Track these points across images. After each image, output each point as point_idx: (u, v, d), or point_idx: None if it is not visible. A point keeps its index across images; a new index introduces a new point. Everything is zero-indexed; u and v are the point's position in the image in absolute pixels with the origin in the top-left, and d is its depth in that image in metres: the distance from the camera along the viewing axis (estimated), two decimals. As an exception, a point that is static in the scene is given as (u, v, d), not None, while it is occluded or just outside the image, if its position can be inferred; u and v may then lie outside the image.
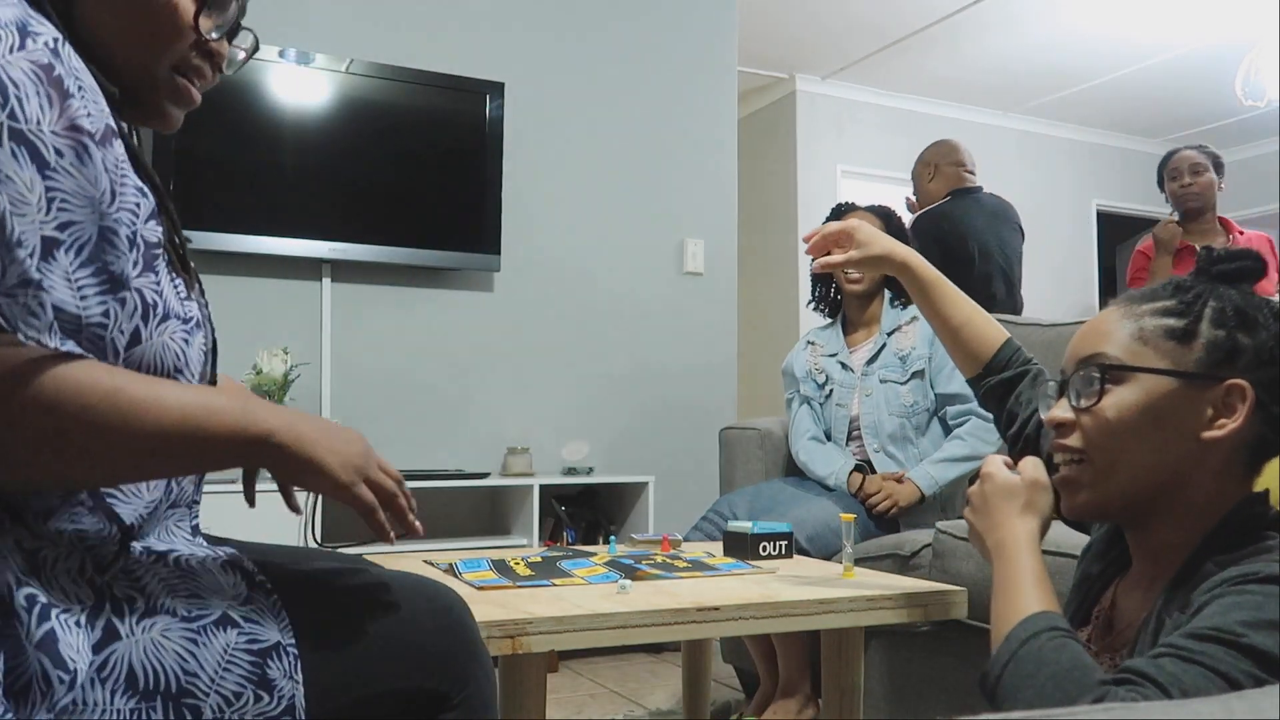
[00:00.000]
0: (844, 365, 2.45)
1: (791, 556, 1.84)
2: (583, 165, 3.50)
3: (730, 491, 2.51)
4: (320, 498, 0.88)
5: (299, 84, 2.98)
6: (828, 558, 2.16)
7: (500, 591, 1.42)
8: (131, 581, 0.76)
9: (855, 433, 2.41)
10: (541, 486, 3.01)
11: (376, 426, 3.14)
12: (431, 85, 3.16)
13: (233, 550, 0.84)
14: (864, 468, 2.36)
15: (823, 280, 2.56)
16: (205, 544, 0.87)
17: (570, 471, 3.23)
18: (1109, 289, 7.08)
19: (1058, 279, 6.38)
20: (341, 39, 3.14)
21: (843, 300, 2.54)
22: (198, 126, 2.82)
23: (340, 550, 1.25)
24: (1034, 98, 5.94)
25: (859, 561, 2.03)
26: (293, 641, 0.78)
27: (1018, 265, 3.69)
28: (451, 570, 1.58)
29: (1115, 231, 7.10)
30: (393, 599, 0.88)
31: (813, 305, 2.62)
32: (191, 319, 0.87)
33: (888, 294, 2.47)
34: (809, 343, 2.59)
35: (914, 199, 3.81)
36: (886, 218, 2.46)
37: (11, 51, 0.73)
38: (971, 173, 3.70)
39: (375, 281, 3.17)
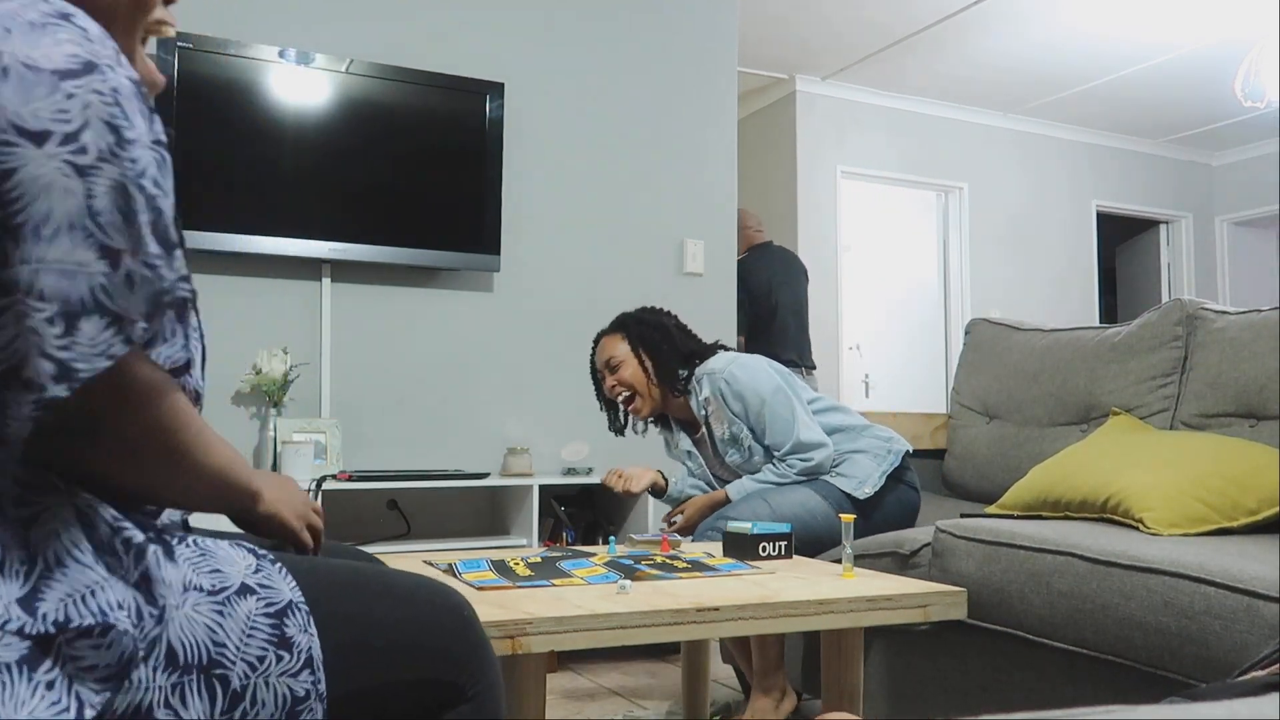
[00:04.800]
0: (700, 447, 2.56)
1: (791, 557, 1.85)
2: (583, 165, 3.50)
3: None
4: (319, 504, 0.93)
5: (299, 84, 2.98)
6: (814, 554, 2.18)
7: (500, 592, 1.42)
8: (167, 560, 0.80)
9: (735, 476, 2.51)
10: (541, 487, 3.02)
11: (376, 426, 3.14)
12: (431, 85, 3.16)
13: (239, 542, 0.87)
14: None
15: (612, 408, 2.64)
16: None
17: (570, 472, 3.22)
18: (1109, 290, 7.08)
19: (1057, 280, 6.37)
20: (341, 39, 3.14)
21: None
22: (198, 126, 2.85)
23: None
24: (1034, 98, 5.94)
25: (858, 559, 2.03)
26: (302, 599, 0.82)
27: (806, 308, 4.59)
28: (451, 570, 1.58)
29: (1115, 232, 7.10)
30: (408, 594, 0.92)
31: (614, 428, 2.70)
32: (197, 330, 0.91)
33: (674, 390, 2.49)
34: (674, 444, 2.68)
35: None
36: (623, 326, 2.52)
37: (120, 65, 0.74)
38: (760, 230, 4.59)
39: (375, 281, 3.17)
